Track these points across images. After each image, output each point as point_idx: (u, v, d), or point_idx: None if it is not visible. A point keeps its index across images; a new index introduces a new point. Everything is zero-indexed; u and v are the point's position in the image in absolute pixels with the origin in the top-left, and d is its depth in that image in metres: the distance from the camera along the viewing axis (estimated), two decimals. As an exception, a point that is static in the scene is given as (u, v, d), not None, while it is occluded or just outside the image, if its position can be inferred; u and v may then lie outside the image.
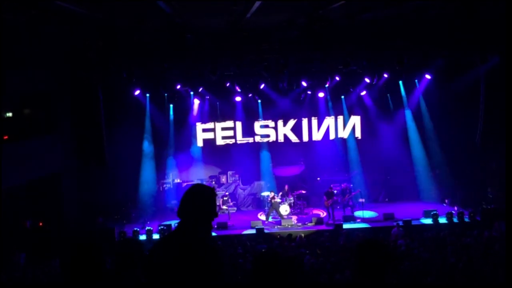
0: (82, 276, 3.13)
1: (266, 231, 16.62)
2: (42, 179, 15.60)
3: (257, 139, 20.76)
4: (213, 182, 20.54)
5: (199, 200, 3.18)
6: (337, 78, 18.50)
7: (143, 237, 16.48)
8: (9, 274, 12.16)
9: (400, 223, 16.09)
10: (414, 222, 16.65)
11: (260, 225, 17.05)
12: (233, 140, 20.73)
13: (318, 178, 20.51)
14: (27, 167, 14.66)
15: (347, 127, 20.82)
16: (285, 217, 17.85)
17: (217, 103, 20.50)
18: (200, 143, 20.69)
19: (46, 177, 15.86)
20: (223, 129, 20.75)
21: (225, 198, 18.27)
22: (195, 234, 3.12)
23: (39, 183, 15.54)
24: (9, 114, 15.51)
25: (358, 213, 18.00)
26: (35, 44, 13.28)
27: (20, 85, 14.65)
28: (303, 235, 15.84)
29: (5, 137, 14.32)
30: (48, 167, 15.99)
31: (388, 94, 20.45)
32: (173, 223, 17.29)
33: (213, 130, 20.69)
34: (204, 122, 20.66)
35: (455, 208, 17.32)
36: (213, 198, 3.25)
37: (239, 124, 20.66)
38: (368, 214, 17.92)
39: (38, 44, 13.26)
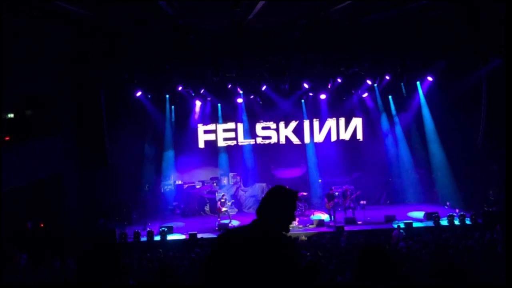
0: (99, 277, 3.08)
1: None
2: (43, 180, 15.58)
3: (259, 140, 20.73)
4: (215, 184, 20.54)
5: (281, 201, 3.17)
6: (339, 80, 18.48)
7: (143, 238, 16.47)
8: (10, 275, 12.13)
9: (401, 225, 16.06)
10: (415, 224, 16.64)
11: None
12: (234, 142, 20.72)
13: (320, 180, 20.46)
14: (29, 168, 14.63)
15: (348, 129, 20.79)
16: (287, 219, 17.78)
17: (219, 104, 20.50)
18: (201, 145, 20.67)
19: (48, 178, 15.84)
20: (225, 130, 20.75)
21: (222, 200, 18.19)
22: (272, 233, 3.11)
23: (40, 184, 15.51)
24: (11, 115, 15.50)
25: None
26: (37, 45, 13.30)
27: (21, 86, 14.63)
28: (304, 237, 15.81)
29: (7, 138, 14.29)
30: (49, 168, 15.97)
31: (390, 96, 20.42)
32: (174, 224, 17.30)
33: (214, 131, 20.68)
34: (205, 123, 20.65)
35: (457, 211, 17.25)
36: (295, 201, 3.23)
37: (240, 126, 20.65)
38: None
39: (39, 45, 13.28)
